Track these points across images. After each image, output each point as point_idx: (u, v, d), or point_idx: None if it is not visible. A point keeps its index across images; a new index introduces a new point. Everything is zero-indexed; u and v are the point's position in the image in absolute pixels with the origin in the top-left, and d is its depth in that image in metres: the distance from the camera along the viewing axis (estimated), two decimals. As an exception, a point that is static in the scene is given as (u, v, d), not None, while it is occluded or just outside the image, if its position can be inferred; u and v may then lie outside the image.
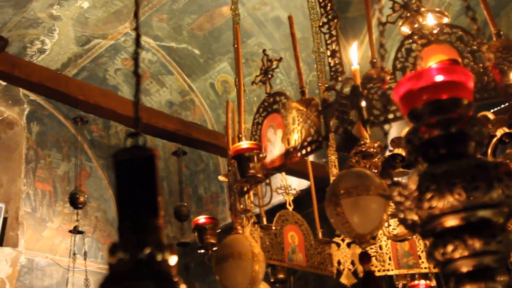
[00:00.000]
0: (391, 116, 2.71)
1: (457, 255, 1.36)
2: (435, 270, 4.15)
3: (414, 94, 1.46)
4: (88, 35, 10.16)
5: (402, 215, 1.44)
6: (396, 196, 1.43)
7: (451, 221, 1.37)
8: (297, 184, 7.24)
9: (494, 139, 3.04)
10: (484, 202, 1.34)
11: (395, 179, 1.68)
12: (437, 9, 3.48)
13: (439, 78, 1.45)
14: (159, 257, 1.16)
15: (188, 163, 11.28)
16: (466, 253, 1.35)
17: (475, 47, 2.71)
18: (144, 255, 1.15)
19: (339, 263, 4.35)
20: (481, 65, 2.68)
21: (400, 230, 3.91)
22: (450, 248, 1.36)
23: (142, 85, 10.84)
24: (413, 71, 2.10)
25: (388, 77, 2.42)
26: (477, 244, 1.33)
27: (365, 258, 3.15)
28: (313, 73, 8.62)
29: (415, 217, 1.41)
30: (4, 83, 10.37)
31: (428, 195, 1.37)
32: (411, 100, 1.47)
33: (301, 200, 4.60)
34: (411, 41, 2.85)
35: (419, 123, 1.46)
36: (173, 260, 1.18)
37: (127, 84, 10.95)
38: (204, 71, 10.44)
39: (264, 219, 4.04)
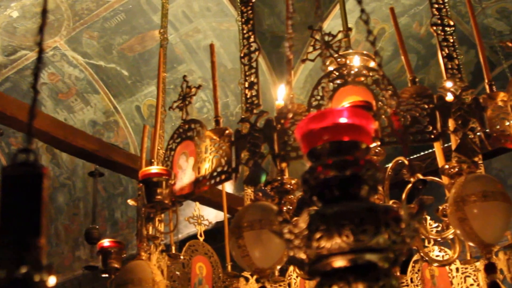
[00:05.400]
0: (298, 154, 2.72)
1: (341, 296, 1.35)
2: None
3: (315, 133, 1.46)
4: (15, 45, 9.94)
5: (292, 253, 1.43)
6: (286, 233, 1.42)
7: (338, 262, 1.37)
8: (215, 215, 7.20)
9: (408, 186, 3.09)
10: (370, 246, 1.34)
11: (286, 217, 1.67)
12: (365, 52, 3.54)
13: (341, 119, 1.45)
14: (36, 278, 1.13)
15: (106, 185, 11.08)
16: (349, 295, 1.34)
17: (390, 92, 2.77)
18: (21, 274, 1.12)
19: (246, 297, 4.32)
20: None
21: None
22: (334, 289, 1.35)
23: (66, 102, 10.66)
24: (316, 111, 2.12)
25: (290, 115, 2.42)
26: (360, 287, 1.33)
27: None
28: (240, 105, 8.65)
29: (303, 256, 1.40)
30: None
31: (317, 235, 1.37)
32: (312, 139, 1.47)
33: (218, 232, 4.57)
34: (327, 80, 2.88)
35: (317, 163, 1.46)
36: (51, 281, 1.16)
37: (51, 99, 10.72)
38: (131, 93, 10.34)
39: (173, 248, 3.98)
